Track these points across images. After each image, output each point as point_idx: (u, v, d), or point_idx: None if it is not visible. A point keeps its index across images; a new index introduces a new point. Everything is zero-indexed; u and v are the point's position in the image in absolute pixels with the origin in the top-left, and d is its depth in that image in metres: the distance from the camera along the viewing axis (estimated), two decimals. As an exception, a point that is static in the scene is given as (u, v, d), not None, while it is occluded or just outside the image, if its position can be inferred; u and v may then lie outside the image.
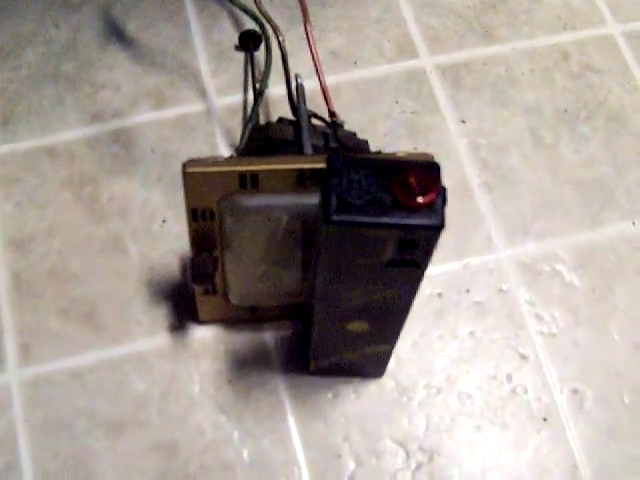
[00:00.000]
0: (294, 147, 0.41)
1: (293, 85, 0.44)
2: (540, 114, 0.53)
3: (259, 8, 0.43)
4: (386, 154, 0.42)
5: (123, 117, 0.51)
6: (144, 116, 0.51)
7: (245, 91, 0.50)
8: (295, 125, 0.42)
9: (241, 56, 0.52)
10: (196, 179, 0.39)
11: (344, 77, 0.53)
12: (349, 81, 0.53)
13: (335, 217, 0.30)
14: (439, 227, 0.30)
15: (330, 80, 0.50)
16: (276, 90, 0.48)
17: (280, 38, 0.43)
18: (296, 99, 0.43)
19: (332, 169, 0.31)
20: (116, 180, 0.49)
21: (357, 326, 0.40)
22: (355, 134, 0.44)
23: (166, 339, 0.46)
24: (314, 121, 0.44)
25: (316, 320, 0.39)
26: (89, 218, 0.48)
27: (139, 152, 0.50)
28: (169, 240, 0.48)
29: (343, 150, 0.42)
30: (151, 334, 0.46)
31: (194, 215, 0.40)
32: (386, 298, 0.36)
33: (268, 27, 0.44)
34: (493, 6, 0.56)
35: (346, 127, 0.46)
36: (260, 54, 0.51)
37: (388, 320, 0.38)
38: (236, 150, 0.42)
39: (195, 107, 0.51)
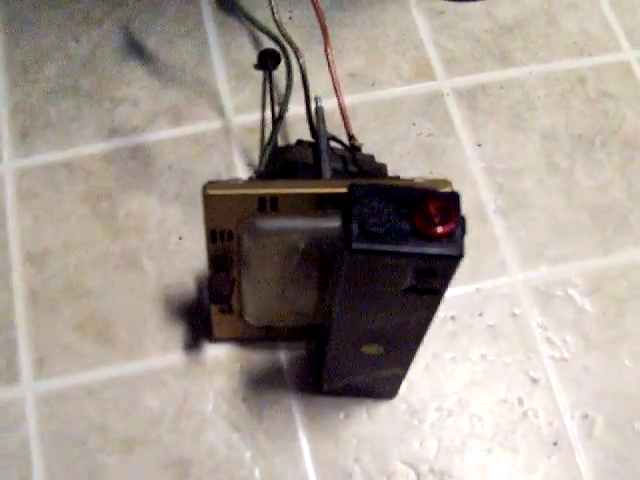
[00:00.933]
0: (313, 170, 0.42)
1: (312, 107, 0.44)
2: (555, 139, 0.53)
3: (280, 29, 0.44)
4: (404, 180, 0.42)
5: (141, 133, 0.51)
6: (162, 133, 0.51)
7: (263, 110, 0.50)
8: (314, 148, 0.43)
9: (259, 75, 0.52)
10: (216, 201, 0.39)
11: (362, 98, 0.53)
12: (366, 102, 0.53)
13: (356, 245, 0.31)
14: (458, 257, 0.31)
15: (347, 101, 0.50)
16: (294, 110, 0.49)
17: (301, 60, 0.43)
18: (316, 122, 0.43)
19: (354, 197, 0.31)
20: (133, 196, 0.49)
21: (372, 349, 0.40)
22: (373, 157, 0.44)
23: (180, 356, 0.46)
24: (333, 144, 0.44)
25: (331, 342, 0.39)
26: (105, 234, 0.48)
27: (156, 169, 0.50)
28: (185, 258, 0.48)
29: (362, 174, 0.42)
30: (165, 351, 0.46)
31: (213, 236, 0.41)
32: (403, 323, 0.37)
33: (288, 48, 0.45)
34: (510, 30, 0.56)
35: (364, 149, 0.46)
36: (278, 73, 0.52)
37: (403, 344, 0.39)
38: (255, 172, 0.43)
39: (213, 125, 0.51)
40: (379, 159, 0.48)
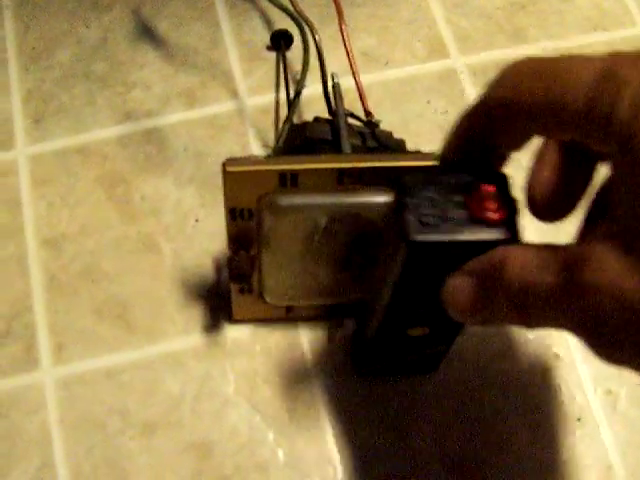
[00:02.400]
0: (332, 146, 0.41)
1: (329, 83, 0.44)
2: (571, 115, 0.53)
3: (295, 7, 0.43)
4: (424, 153, 0.42)
5: (155, 116, 0.50)
6: (176, 115, 0.51)
7: (277, 91, 0.50)
8: (332, 124, 0.42)
9: (272, 56, 0.52)
10: (236, 178, 0.39)
11: (375, 77, 0.52)
12: (380, 81, 0.52)
13: (414, 237, 0.30)
14: (515, 240, 0.30)
15: (362, 79, 0.50)
16: (308, 90, 0.48)
17: (316, 37, 0.43)
18: (333, 98, 0.43)
19: (406, 187, 0.31)
20: (148, 179, 0.49)
21: (418, 331, 0.40)
22: (391, 133, 0.44)
23: (200, 338, 0.46)
24: (350, 120, 0.44)
25: (377, 327, 0.39)
26: (121, 218, 0.48)
27: (171, 151, 0.50)
28: (202, 239, 0.48)
29: (381, 149, 0.42)
30: (185, 333, 0.46)
31: (232, 214, 0.40)
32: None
33: (304, 25, 0.44)
34: (523, 7, 0.56)
35: (381, 127, 0.46)
36: (291, 54, 0.51)
37: (450, 324, 0.38)
38: (273, 150, 0.42)
39: (226, 107, 0.51)
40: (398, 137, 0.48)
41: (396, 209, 0.31)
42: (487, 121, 0.31)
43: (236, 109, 0.51)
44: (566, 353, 0.47)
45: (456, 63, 0.54)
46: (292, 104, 0.43)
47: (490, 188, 0.31)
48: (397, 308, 0.37)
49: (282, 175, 0.39)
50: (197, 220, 0.48)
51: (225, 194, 0.39)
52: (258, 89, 0.52)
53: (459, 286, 0.31)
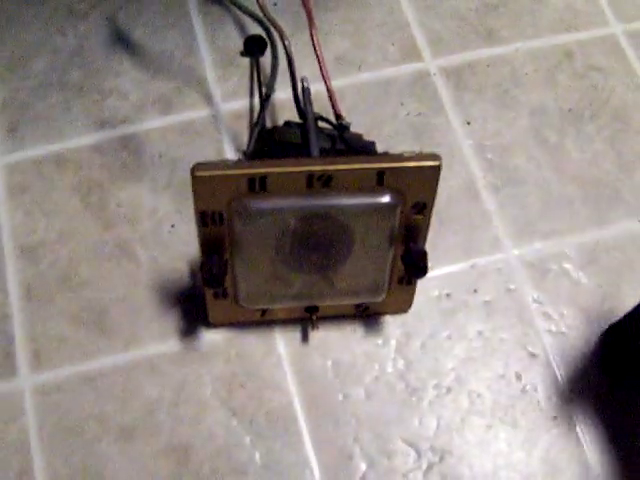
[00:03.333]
0: (301, 150, 0.42)
1: (299, 88, 0.44)
2: (544, 114, 0.53)
3: (264, 13, 0.44)
4: (392, 155, 0.42)
5: (130, 124, 0.51)
6: (151, 122, 0.51)
7: (251, 96, 0.50)
8: (302, 128, 0.43)
9: (246, 62, 0.52)
10: (205, 182, 0.39)
11: (349, 80, 0.53)
12: (354, 84, 0.53)
13: None
14: None
15: (335, 84, 0.50)
16: (281, 94, 0.49)
17: (286, 42, 0.43)
18: (303, 102, 0.43)
19: None
20: (124, 186, 0.49)
21: None
22: (362, 136, 0.44)
23: (177, 343, 0.46)
24: (321, 124, 0.44)
25: None
26: (98, 225, 0.48)
27: (147, 158, 0.50)
28: (178, 245, 0.48)
29: (350, 152, 0.42)
30: (162, 339, 0.46)
31: (203, 219, 0.41)
32: None
33: (274, 31, 0.45)
34: (496, 8, 0.56)
35: (352, 129, 0.46)
36: (265, 59, 0.52)
37: None
38: (244, 153, 0.43)
39: (201, 113, 0.52)
40: (369, 139, 0.48)
41: None
42: None
43: (211, 115, 0.52)
44: (541, 352, 0.47)
45: (429, 65, 0.54)
46: (262, 108, 0.43)
47: None
48: None
49: (251, 179, 0.39)
50: (173, 226, 0.48)
51: (195, 198, 0.39)
52: (232, 94, 0.52)
53: None
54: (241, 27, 0.54)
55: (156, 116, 0.51)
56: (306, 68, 0.47)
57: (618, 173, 0.51)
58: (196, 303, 0.46)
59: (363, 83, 0.53)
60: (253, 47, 0.51)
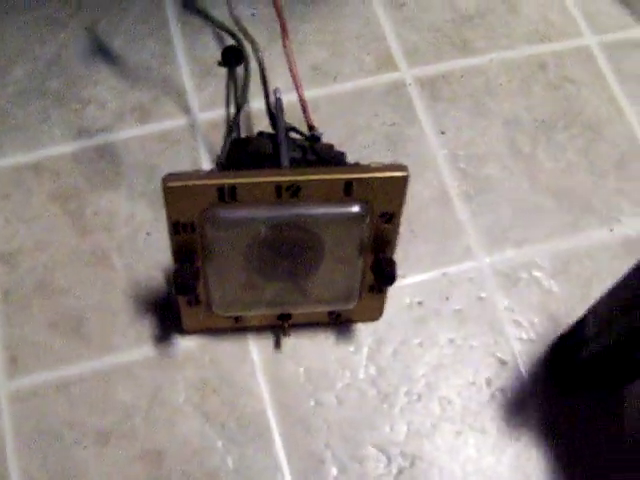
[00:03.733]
0: (273, 160, 0.42)
1: (272, 99, 0.45)
2: (518, 124, 0.54)
3: (237, 24, 0.44)
4: (361, 165, 0.43)
5: (108, 132, 0.51)
6: (129, 131, 0.52)
7: (227, 106, 0.51)
8: (274, 139, 0.43)
9: (224, 71, 0.53)
10: (176, 193, 0.40)
11: (325, 91, 0.54)
12: (330, 95, 0.54)
13: None
14: None
15: (311, 94, 0.52)
16: (259, 104, 0.49)
17: (259, 54, 0.44)
18: (275, 113, 0.43)
19: None
20: (101, 194, 0.50)
21: None
22: (333, 146, 0.45)
23: (152, 350, 0.47)
24: (294, 135, 0.45)
25: (604, 354, 0.42)
26: (75, 232, 0.49)
27: (124, 167, 0.51)
28: (154, 252, 0.48)
29: (320, 163, 0.43)
30: (137, 345, 0.47)
31: (175, 228, 0.41)
32: None
33: (247, 43, 0.45)
34: (471, 19, 0.57)
35: (326, 140, 0.47)
36: (242, 69, 0.52)
37: None
38: (217, 164, 0.43)
39: (178, 122, 0.52)
40: (343, 150, 0.49)
41: None
42: None
43: (188, 124, 0.52)
44: (511, 359, 0.48)
45: (404, 75, 0.55)
46: (234, 119, 0.44)
47: None
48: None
49: (220, 189, 0.40)
50: (148, 233, 0.49)
51: (167, 208, 0.40)
52: (209, 104, 0.53)
53: None
54: (219, 37, 0.55)
55: (134, 125, 0.52)
56: (282, 78, 0.48)
57: (590, 183, 0.52)
58: (171, 310, 0.47)
59: (338, 93, 0.54)
60: (230, 57, 0.52)
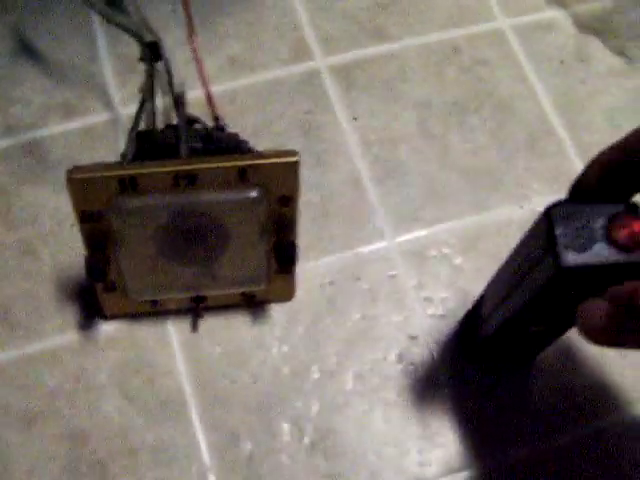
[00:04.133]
0: (175, 151, 0.44)
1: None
2: (430, 107, 0.55)
3: (139, 21, 0.46)
4: (254, 153, 0.45)
5: (35, 129, 0.53)
6: (55, 128, 0.54)
7: (148, 100, 0.53)
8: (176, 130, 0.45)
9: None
10: (79, 184, 0.42)
11: (242, 82, 0.55)
12: (247, 85, 0.55)
13: (567, 264, 0.34)
14: None
15: (229, 85, 0.54)
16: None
17: (163, 51, 0.46)
18: (176, 105, 0.46)
19: (554, 217, 0.35)
20: (28, 190, 0.52)
21: (538, 328, 0.43)
22: (237, 135, 0.47)
23: (75, 335, 0.49)
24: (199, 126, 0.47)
25: (503, 328, 0.43)
26: (2, 227, 0.51)
27: (50, 162, 0.53)
28: (78, 242, 0.50)
29: (219, 151, 0.45)
30: (61, 331, 0.49)
31: (83, 217, 0.44)
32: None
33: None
34: (385, 7, 0.58)
35: (242, 129, 0.49)
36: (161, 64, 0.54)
37: (567, 323, 0.42)
38: (122, 156, 0.45)
39: (102, 117, 0.54)
40: (259, 139, 0.51)
41: (547, 237, 0.35)
42: (629, 157, 0.34)
43: (111, 119, 0.54)
44: (422, 334, 0.49)
45: (319, 64, 0.57)
46: (137, 114, 0.46)
47: (633, 217, 0.34)
48: (528, 314, 0.40)
49: (121, 180, 0.42)
50: (72, 225, 0.51)
51: (72, 199, 0.42)
52: (132, 99, 0.54)
53: (594, 311, 0.33)
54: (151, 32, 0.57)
55: (59, 122, 0.54)
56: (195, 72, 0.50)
57: (500, 162, 0.54)
58: (94, 296, 0.49)
59: (255, 84, 0.55)
60: (149, 53, 0.54)
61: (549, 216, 0.35)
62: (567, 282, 0.35)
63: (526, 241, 0.39)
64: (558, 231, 0.34)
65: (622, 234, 0.34)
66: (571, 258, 0.34)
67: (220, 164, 0.42)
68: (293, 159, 0.43)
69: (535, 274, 0.37)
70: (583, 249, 0.34)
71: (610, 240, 0.34)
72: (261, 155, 0.43)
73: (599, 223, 0.34)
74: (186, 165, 0.42)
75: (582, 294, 0.35)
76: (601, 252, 0.34)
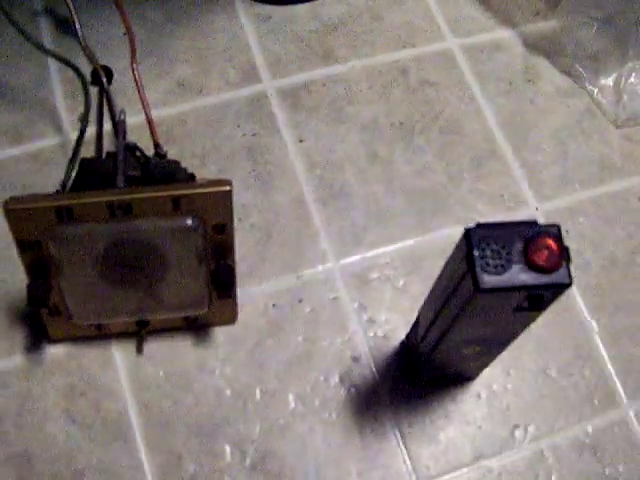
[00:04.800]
0: (112, 180, 0.45)
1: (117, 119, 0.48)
2: (376, 129, 0.56)
3: (83, 50, 0.47)
4: (188, 182, 0.45)
5: (-16, 154, 0.54)
6: (3, 152, 0.54)
7: (97, 124, 0.53)
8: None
9: (96, 91, 0.55)
10: (17, 215, 0.43)
11: (190, 106, 0.56)
12: (195, 109, 0.56)
13: (484, 285, 0.35)
14: (569, 284, 0.35)
15: (177, 109, 0.55)
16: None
17: (103, 78, 0.46)
18: (116, 133, 0.46)
19: (473, 243, 0.36)
20: (-22, 214, 0.53)
21: (471, 350, 0.45)
22: (177, 162, 0.47)
23: (22, 359, 0.49)
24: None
25: (437, 349, 0.44)
26: (-49, 254, 0.52)
27: (0, 187, 0.54)
28: (25, 266, 0.52)
29: (155, 181, 0.45)
30: (8, 355, 0.50)
31: (22, 246, 0.44)
32: (505, 331, 0.42)
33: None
34: (335, 29, 0.59)
35: (189, 153, 0.50)
36: (113, 88, 0.55)
37: (499, 344, 0.44)
38: (62, 185, 0.46)
39: (51, 141, 0.55)
40: (207, 162, 0.52)
41: (466, 259, 0.35)
42: None
43: (61, 143, 0.55)
44: (364, 356, 0.50)
45: (266, 87, 0.57)
46: (77, 143, 0.47)
47: (548, 239, 0.35)
48: (456, 335, 0.42)
49: (58, 210, 0.43)
50: (20, 249, 0.52)
51: (11, 229, 0.43)
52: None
53: None
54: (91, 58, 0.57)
55: (7, 146, 0.54)
56: (150, 94, 0.50)
57: (446, 183, 0.54)
58: (40, 320, 0.50)
59: (204, 107, 0.56)
60: (100, 77, 0.54)
61: (468, 238, 0.36)
62: (483, 301, 0.36)
63: (450, 263, 0.40)
64: (476, 253, 0.35)
65: (539, 257, 0.35)
66: (487, 280, 0.35)
67: (154, 194, 0.43)
68: (226, 188, 0.43)
69: (457, 296, 0.38)
70: (502, 271, 0.35)
71: (527, 262, 0.35)
72: (195, 185, 0.44)
73: (517, 246, 0.35)
74: (121, 195, 0.43)
75: (493, 308, 0.36)
76: (519, 275, 0.35)
